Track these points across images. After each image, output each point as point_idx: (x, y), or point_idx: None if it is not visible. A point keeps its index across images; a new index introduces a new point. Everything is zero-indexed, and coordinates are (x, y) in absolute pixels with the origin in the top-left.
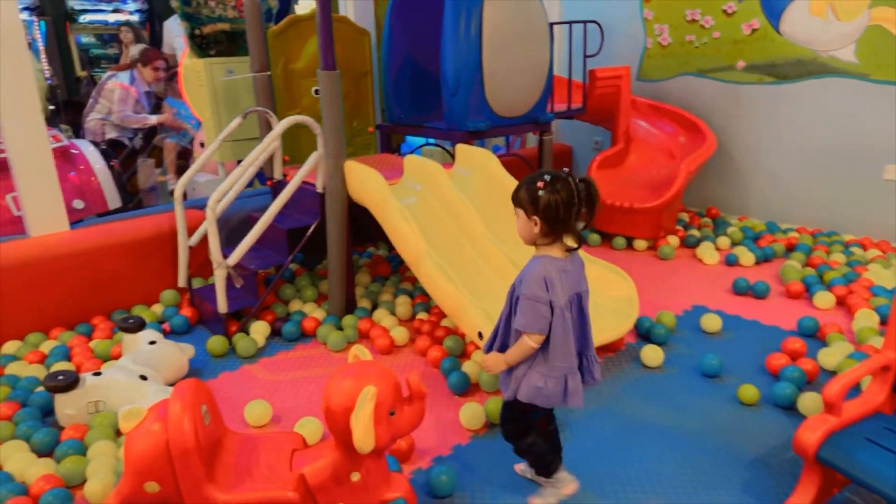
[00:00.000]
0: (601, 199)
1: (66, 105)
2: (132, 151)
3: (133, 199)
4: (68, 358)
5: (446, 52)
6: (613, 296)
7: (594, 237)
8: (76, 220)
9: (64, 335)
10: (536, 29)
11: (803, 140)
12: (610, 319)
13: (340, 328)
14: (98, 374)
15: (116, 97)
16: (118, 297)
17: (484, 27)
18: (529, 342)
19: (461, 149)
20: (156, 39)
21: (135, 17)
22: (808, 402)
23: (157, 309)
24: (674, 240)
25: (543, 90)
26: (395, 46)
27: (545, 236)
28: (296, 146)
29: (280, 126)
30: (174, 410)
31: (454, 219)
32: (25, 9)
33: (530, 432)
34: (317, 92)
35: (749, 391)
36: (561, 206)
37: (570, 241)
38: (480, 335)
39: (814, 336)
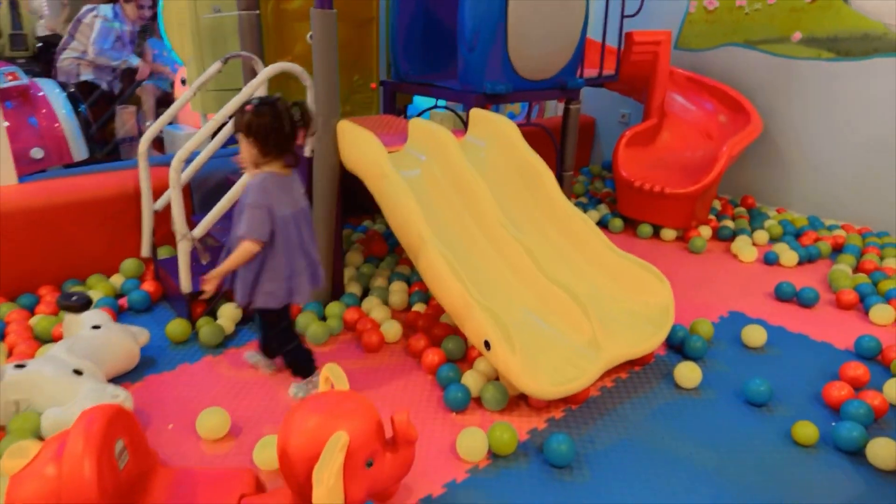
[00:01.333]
0: (628, 180)
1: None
2: (107, 95)
3: (105, 148)
4: (1, 337)
5: None
6: (644, 300)
7: (617, 222)
8: (36, 170)
9: (2, 307)
10: None
11: (859, 126)
12: (639, 328)
13: (324, 318)
14: (21, 366)
15: (96, 29)
16: (72, 265)
17: None
18: (249, 246)
19: (476, 114)
20: None
21: None
22: (880, 450)
23: (117, 281)
24: (706, 231)
25: (575, 52)
26: None
27: (263, 156)
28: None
29: (263, 74)
30: (73, 450)
31: (464, 198)
32: None
33: (292, 339)
34: (312, 38)
35: (806, 430)
36: (265, 127)
37: (287, 160)
38: (487, 344)
39: (874, 359)
